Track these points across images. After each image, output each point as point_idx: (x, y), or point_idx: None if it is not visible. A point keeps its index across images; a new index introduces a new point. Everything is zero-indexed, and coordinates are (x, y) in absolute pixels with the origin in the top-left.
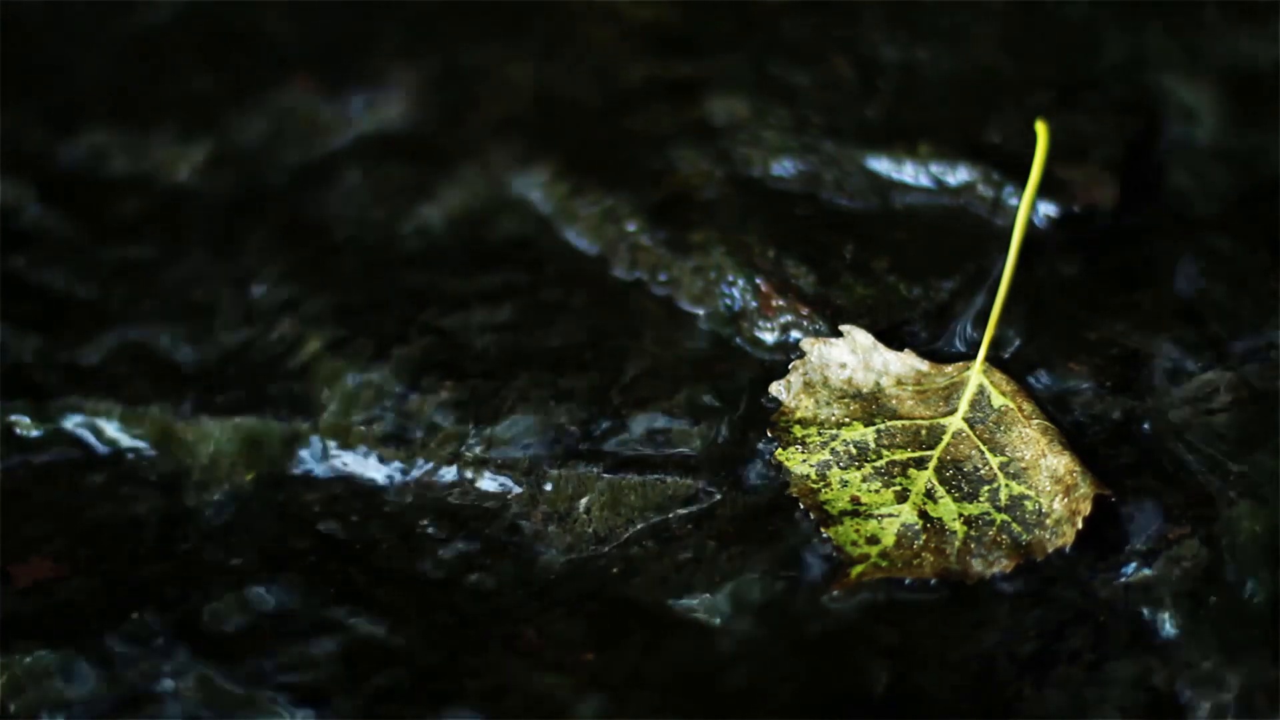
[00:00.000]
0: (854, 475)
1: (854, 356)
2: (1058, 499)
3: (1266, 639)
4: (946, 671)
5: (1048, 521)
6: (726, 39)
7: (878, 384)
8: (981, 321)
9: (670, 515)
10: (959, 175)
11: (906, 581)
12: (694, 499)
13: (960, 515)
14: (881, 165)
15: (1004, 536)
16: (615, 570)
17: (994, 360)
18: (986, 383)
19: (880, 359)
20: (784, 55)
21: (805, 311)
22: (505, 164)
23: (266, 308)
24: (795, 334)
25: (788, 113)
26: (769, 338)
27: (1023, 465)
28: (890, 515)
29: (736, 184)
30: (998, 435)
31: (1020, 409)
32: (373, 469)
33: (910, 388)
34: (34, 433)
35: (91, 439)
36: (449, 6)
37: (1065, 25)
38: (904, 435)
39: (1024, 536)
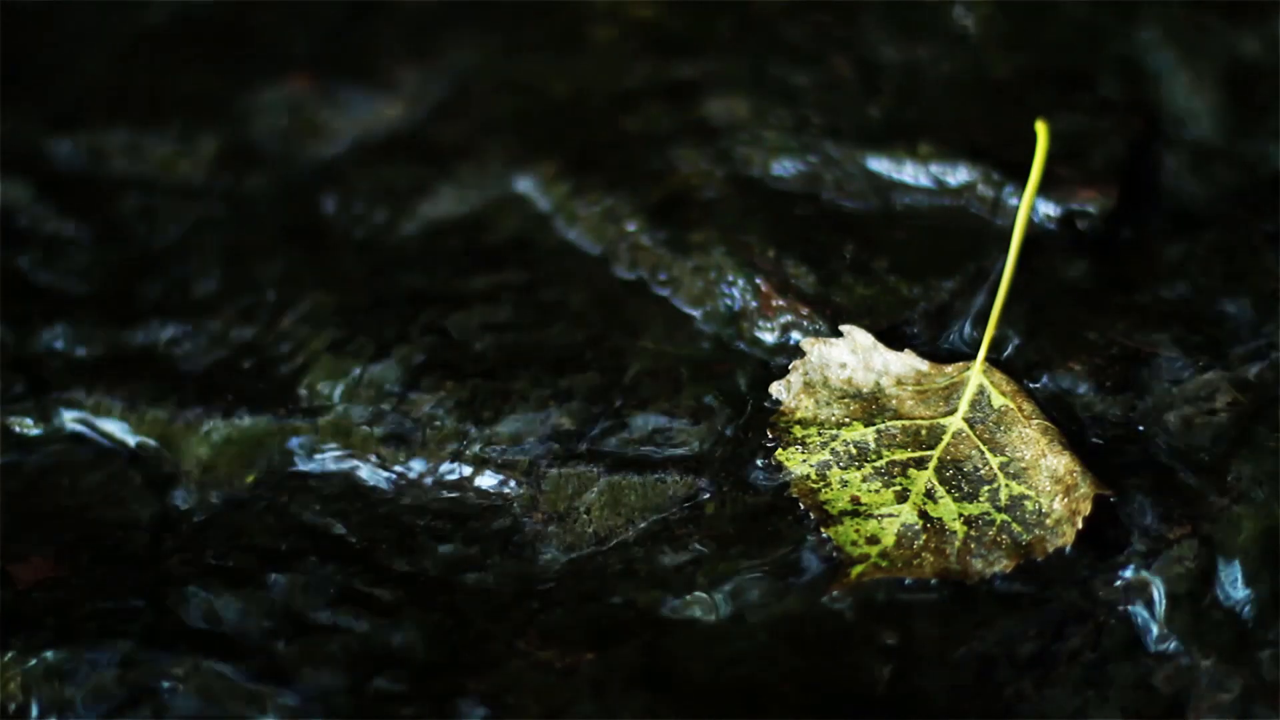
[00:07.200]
0: (854, 475)
1: (854, 356)
2: (1058, 499)
3: (1266, 639)
4: (946, 671)
5: (1048, 521)
6: (726, 39)
7: (878, 384)
8: (981, 321)
9: (670, 515)
10: (959, 175)
11: (906, 581)
12: (694, 499)
13: (960, 515)
14: (881, 165)
15: (1004, 536)
16: (615, 570)
17: (994, 360)
18: (986, 383)
19: (880, 359)
20: (784, 55)
21: (805, 311)
22: (505, 164)
23: (266, 307)
24: (795, 334)
25: (788, 113)
26: (769, 338)
27: (1023, 465)
28: (890, 515)
29: (736, 184)
30: (998, 435)
31: (1020, 409)
32: (373, 468)
33: (910, 388)
34: (34, 432)
35: (91, 438)
36: (449, 6)
37: (1065, 25)
38: (904, 435)
39: (1024, 536)
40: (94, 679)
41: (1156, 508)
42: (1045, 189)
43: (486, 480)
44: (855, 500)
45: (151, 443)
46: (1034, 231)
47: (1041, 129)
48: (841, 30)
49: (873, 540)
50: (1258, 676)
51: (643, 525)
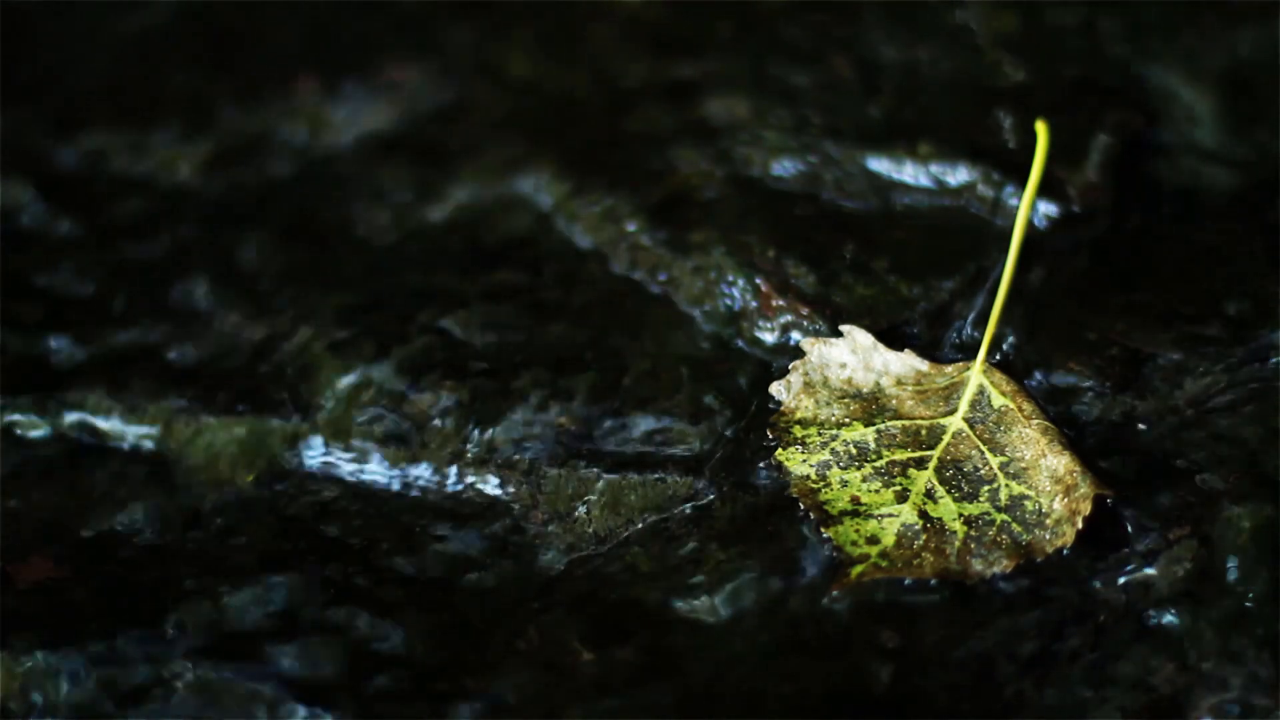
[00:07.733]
0: (854, 475)
1: (854, 356)
2: (1058, 499)
3: (1266, 639)
4: (946, 671)
5: (1048, 521)
6: (726, 39)
7: (878, 384)
8: (981, 321)
9: (670, 515)
10: (959, 175)
11: (906, 581)
12: (694, 499)
13: (960, 515)
14: (881, 165)
15: (1004, 536)
16: (615, 570)
17: (994, 360)
18: (986, 383)
19: (880, 359)
20: (784, 55)
21: (805, 311)
22: (505, 164)
23: (267, 308)
24: (795, 334)
25: (788, 113)
26: (769, 338)
27: (1023, 465)
28: (890, 515)
29: (736, 184)
30: (998, 435)
31: (1020, 409)
32: (373, 469)
33: (910, 388)
34: (34, 432)
35: (91, 439)
36: (449, 6)
37: (1065, 25)
38: (904, 435)
39: (1024, 536)
40: (94, 679)
41: (1156, 508)
42: (1045, 189)
43: (487, 480)
44: (855, 500)
45: (151, 443)
46: (1034, 232)
47: (1041, 129)
48: (841, 30)
49: (873, 540)
50: (1257, 676)
51: (643, 525)
